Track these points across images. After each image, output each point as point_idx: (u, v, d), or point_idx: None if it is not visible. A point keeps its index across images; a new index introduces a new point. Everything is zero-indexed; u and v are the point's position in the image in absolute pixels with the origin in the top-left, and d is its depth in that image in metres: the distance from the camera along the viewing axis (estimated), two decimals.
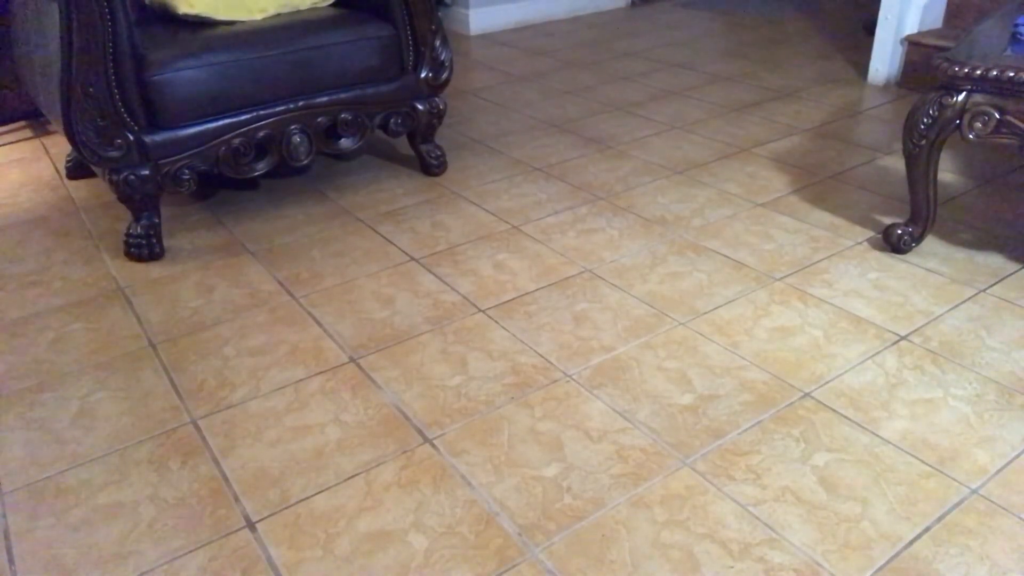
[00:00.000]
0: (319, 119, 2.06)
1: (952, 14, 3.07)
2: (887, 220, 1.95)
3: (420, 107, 2.24)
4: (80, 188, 2.35)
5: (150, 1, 2.06)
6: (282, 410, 1.43)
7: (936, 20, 3.07)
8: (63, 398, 1.48)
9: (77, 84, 1.71)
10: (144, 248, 1.92)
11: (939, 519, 1.17)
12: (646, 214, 2.08)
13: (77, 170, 2.39)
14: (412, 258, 1.92)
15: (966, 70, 1.61)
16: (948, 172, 2.28)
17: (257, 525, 1.19)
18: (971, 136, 1.65)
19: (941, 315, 1.64)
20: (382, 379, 1.50)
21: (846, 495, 1.21)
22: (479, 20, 4.02)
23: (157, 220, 1.94)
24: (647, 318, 1.66)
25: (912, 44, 3.00)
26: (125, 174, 1.82)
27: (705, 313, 1.67)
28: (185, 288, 1.82)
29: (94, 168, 2.01)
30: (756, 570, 1.09)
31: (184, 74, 1.85)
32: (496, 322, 1.66)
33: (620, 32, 4.04)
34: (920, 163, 1.76)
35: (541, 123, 2.78)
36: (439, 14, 2.24)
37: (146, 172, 1.84)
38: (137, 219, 1.91)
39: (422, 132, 2.31)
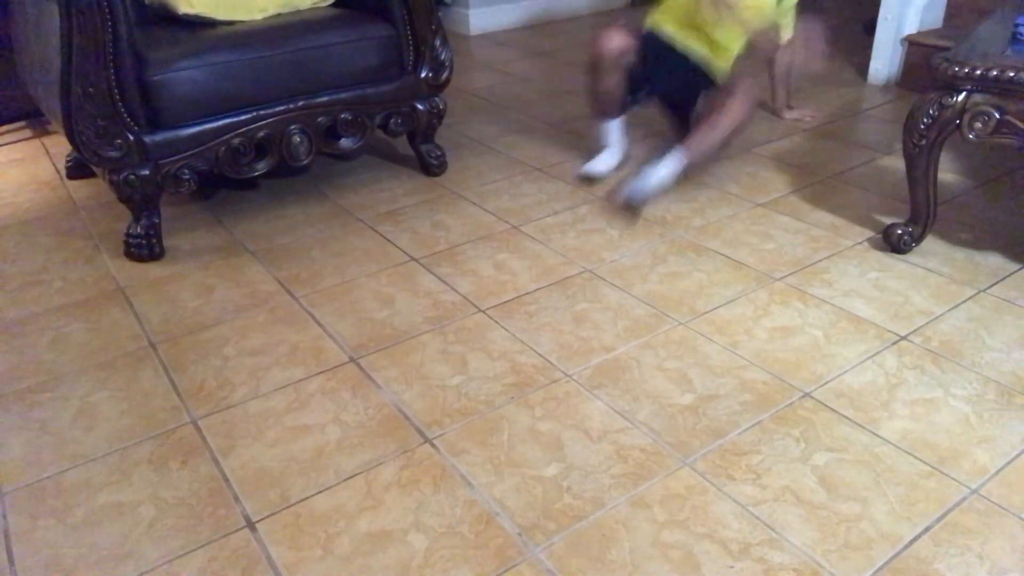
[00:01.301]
0: (319, 119, 2.06)
1: (952, 14, 3.07)
2: (887, 220, 1.95)
3: (420, 107, 2.24)
4: (80, 188, 2.35)
5: (150, 1, 2.06)
6: (282, 410, 1.43)
7: (936, 20, 3.07)
8: (63, 398, 1.48)
9: (77, 84, 1.71)
10: (144, 248, 1.92)
11: (939, 519, 1.16)
12: (646, 214, 2.08)
13: (77, 170, 2.39)
14: (412, 258, 1.92)
15: (966, 70, 1.61)
16: (948, 172, 2.28)
17: (257, 525, 1.19)
18: (971, 136, 1.65)
19: (941, 315, 1.64)
20: (382, 379, 1.50)
21: (846, 495, 1.21)
22: (479, 20, 4.02)
23: (157, 220, 1.94)
24: (647, 318, 1.66)
25: (912, 44, 3.00)
26: (125, 174, 1.82)
27: (705, 313, 1.67)
28: (185, 288, 1.82)
29: (94, 168, 2.01)
30: (756, 570, 1.09)
31: (184, 74, 1.85)
32: (496, 322, 1.66)
33: None
34: (920, 163, 1.76)
35: (541, 123, 2.78)
36: (439, 14, 2.23)
37: (146, 172, 1.84)
38: (137, 219, 1.91)
39: (422, 132, 2.31)
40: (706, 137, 2.02)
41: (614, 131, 2.29)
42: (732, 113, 2.02)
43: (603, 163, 2.30)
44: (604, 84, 2.15)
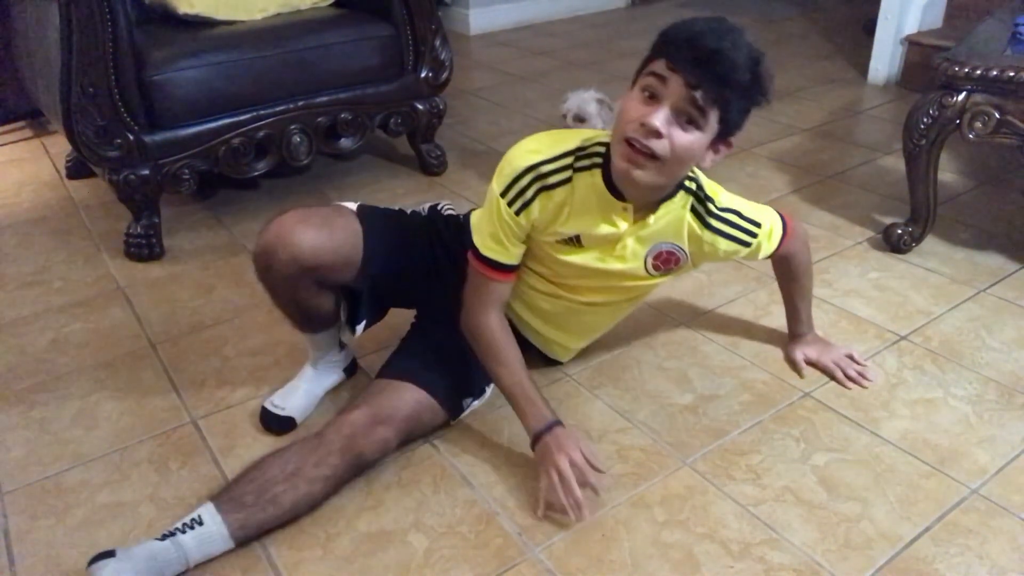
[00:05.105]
0: (319, 119, 2.05)
1: (952, 14, 3.07)
2: (887, 220, 1.95)
3: (420, 107, 2.24)
4: (80, 188, 2.35)
5: (150, 1, 2.06)
6: None
7: (936, 20, 3.07)
8: (63, 398, 1.47)
9: (77, 84, 1.71)
10: (144, 248, 1.92)
11: (939, 519, 1.16)
12: None
13: (77, 170, 2.39)
14: None
15: (966, 70, 1.61)
16: (948, 172, 2.28)
17: None
18: (971, 136, 1.65)
19: (941, 315, 1.64)
20: None
21: (846, 495, 1.21)
22: (479, 20, 4.01)
23: (157, 220, 1.94)
24: (647, 318, 1.66)
25: (912, 44, 3.00)
26: (125, 174, 1.82)
27: (705, 313, 1.67)
28: (185, 288, 1.82)
29: (94, 168, 2.01)
30: (756, 570, 1.09)
31: (184, 74, 1.85)
32: None
33: (620, 32, 4.03)
34: (920, 163, 1.76)
35: (541, 123, 2.78)
36: (439, 14, 2.23)
37: (146, 172, 1.84)
38: (137, 219, 1.91)
39: (422, 132, 2.31)
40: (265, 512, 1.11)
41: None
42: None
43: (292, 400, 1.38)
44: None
